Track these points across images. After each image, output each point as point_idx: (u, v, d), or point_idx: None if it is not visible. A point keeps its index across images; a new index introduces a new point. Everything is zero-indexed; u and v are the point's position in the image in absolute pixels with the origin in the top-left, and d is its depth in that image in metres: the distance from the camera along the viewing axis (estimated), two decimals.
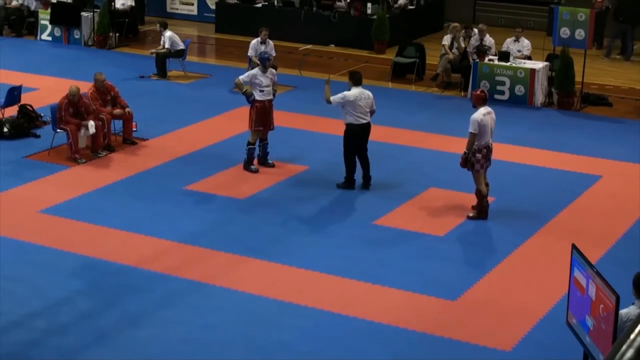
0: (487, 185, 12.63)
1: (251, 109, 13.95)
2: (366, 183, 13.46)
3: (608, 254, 11.53)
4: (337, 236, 12.01)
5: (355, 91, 13.15)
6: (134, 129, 15.41)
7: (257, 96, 13.86)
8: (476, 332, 9.69)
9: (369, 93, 13.27)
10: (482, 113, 12.31)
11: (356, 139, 13.29)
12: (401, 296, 10.41)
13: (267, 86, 13.91)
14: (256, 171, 14.00)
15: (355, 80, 13.27)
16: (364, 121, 13.21)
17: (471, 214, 12.58)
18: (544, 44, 18.51)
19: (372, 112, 13.32)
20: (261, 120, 13.90)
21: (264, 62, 14.01)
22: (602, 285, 7.48)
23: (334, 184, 13.54)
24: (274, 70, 14.46)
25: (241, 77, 13.92)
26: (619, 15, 21.78)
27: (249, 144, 14.01)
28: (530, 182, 14.02)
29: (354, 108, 13.11)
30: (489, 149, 12.47)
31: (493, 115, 12.53)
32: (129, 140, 15.25)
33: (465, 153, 12.33)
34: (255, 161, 14.15)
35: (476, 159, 12.34)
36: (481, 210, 12.57)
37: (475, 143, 12.28)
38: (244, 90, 13.88)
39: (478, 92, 12.71)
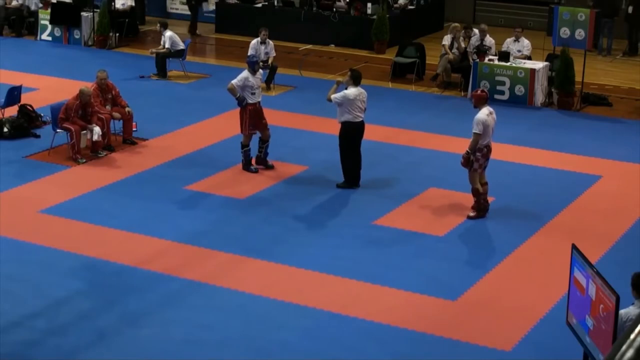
0: (485, 184, 12.64)
1: (243, 112, 13.93)
2: (356, 181, 13.51)
3: (608, 254, 11.53)
4: (337, 236, 12.02)
5: (354, 90, 13.25)
6: (134, 129, 15.41)
7: (249, 99, 13.84)
8: (476, 332, 9.69)
9: (364, 91, 13.43)
10: (486, 113, 12.29)
11: (352, 137, 13.39)
12: (401, 296, 10.41)
13: (257, 88, 13.95)
14: (256, 171, 14.01)
15: (356, 79, 13.37)
16: (360, 119, 13.36)
17: (471, 214, 12.58)
18: (544, 44, 18.51)
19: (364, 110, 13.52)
20: (254, 122, 13.92)
21: (252, 66, 14.00)
22: (602, 285, 7.48)
23: (334, 184, 13.55)
24: (261, 71, 14.50)
25: (234, 82, 13.88)
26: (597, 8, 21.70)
27: (243, 146, 14.03)
28: (530, 182, 14.02)
29: (352, 106, 13.20)
30: (489, 149, 12.47)
31: (494, 115, 12.53)
32: (129, 141, 15.25)
33: (467, 153, 12.31)
34: (253, 160, 14.16)
35: (476, 158, 12.33)
36: (480, 209, 12.58)
37: (480, 143, 12.25)
38: (238, 95, 13.86)
39: (479, 92, 12.66)
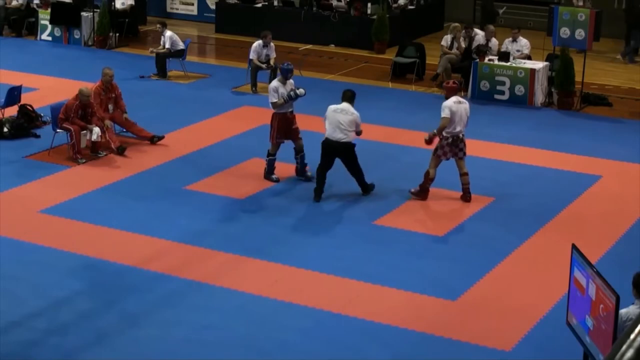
0: (466, 174, 12.84)
1: (272, 120, 13.57)
2: (362, 190, 13.21)
3: (608, 254, 11.53)
4: (337, 236, 12.01)
5: (335, 105, 12.85)
6: None
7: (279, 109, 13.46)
8: (476, 332, 9.69)
9: (349, 111, 12.71)
10: (453, 100, 12.72)
11: (324, 155, 12.90)
12: (401, 296, 10.41)
13: None
14: (277, 181, 13.63)
15: (343, 96, 12.94)
16: (333, 139, 12.74)
17: (413, 190, 12.91)
18: (544, 44, 18.51)
19: (356, 133, 12.84)
20: (283, 132, 13.55)
21: (286, 74, 13.58)
22: (602, 285, 7.48)
23: (334, 184, 13.51)
24: (292, 81, 13.75)
25: (272, 100, 13.35)
26: (626, 17, 21.79)
27: (268, 154, 13.65)
28: (530, 182, 14.02)
29: (327, 120, 12.82)
30: (457, 139, 12.71)
31: (466, 105, 12.84)
32: (156, 138, 15.14)
33: (433, 133, 12.72)
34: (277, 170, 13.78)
35: (440, 145, 12.62)
36: (423, 190, 12.85)
37: (446, 130, 12.57)
38: (283, 102, 13.36)
39: (450, 82, 13.26)
